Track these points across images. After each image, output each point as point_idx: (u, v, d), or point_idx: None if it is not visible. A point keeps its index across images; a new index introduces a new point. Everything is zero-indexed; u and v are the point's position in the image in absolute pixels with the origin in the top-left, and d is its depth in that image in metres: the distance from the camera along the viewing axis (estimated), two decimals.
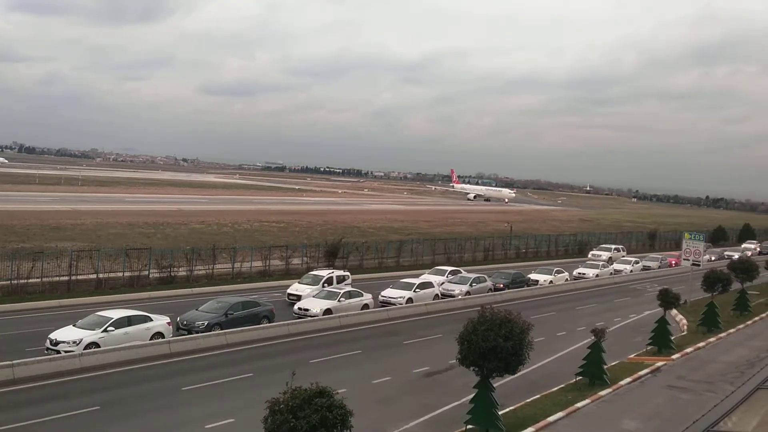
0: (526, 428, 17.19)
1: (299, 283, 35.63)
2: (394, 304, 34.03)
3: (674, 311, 34.73)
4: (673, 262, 58.84)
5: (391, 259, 49.71)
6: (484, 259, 56.21)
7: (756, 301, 38.32)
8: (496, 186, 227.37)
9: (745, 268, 37.13)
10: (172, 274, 37.46)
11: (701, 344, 27.93)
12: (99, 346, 22.96)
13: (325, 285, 34.47)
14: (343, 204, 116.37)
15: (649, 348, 27.03)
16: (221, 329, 26.43)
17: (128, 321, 24.39)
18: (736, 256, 54.69)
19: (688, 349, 26.87)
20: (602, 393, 20.55)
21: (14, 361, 20.49)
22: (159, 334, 24.94)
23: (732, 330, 31.27)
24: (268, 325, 28.08)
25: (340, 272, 37.45)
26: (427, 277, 39.91)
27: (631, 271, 54.45)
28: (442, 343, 26.32)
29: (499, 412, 16.90)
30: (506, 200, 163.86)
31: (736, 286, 36.11)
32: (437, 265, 50.08)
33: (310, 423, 10.27)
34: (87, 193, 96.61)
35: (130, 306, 27.95)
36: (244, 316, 27.90)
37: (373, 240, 54.69)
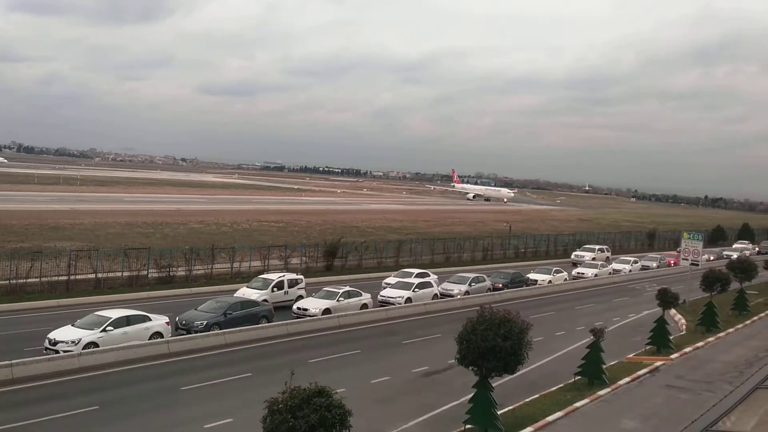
0: (525, 428, 17.21)
1: (247, 287, 33.07)
2: (393, 304, 34.03)
3: (673, 311, 34.75)
4: (672, 261, 58.87)
5: (390, 258, 49.71)
6: (483, 259, 56.23)
7: (755, 301, 38.33)
8: (495, 186, 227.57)
9: (743, 268, 37.19)
10: (171, 273, 37.44)
11: (700, 344, 27.95)
12: (98, 346, 22.94)
13: (275, 289, 32.33)
14: (342, 204, 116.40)
15: (647, 348, 27.04)
16: (220, 329, 26.42)
17: (127, 321, 24.38)
18: (734, 256, 54.72)
19: (687, 349, 26.89)
20: (601, 393, 20.56)
21: (13, 361, 20.48)
22: (158, 334, 24.93)
23: (731, 330, 31.29)
24: (266, 324, 28.07)
25: (293, 275, 34.87)
26: (391, 280, 38.04)
27: (630, 270, 54.45)
28: (441, 342, 26.33)
29: (498, 412, 16.90)
30: (505, 200, 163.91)
31: (735, 285, 36.16)
32: (436, 266, 50.25)
33: (309, 423, 10.26)
34: (86, 192, 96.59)
35: (128, 306, 27.95)
36: (242, 315, 27.89)
37: (372, 240, 54.72)
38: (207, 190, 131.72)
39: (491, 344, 15.57)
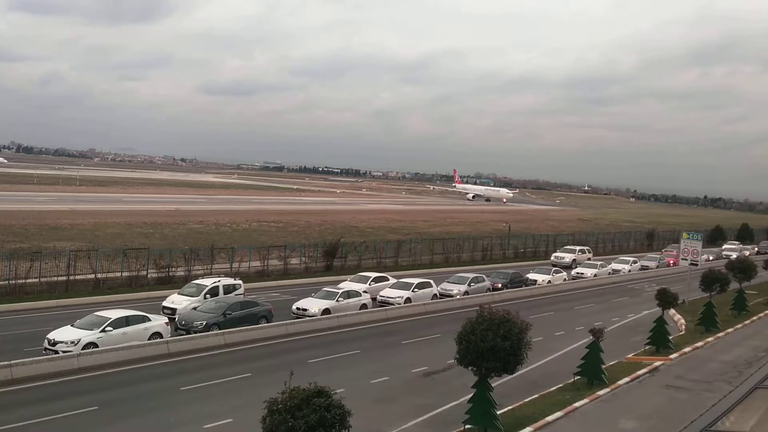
0: (524, 428, 17.21)
1: (179, 293, 30.52)
2: (393, 304, 34.02)
3: (672, 311, 34.74)
4: (671, 261, 58.87)
5: (389, 259, 49.72)
6: (483, 259, 56.22)
7: (754, 301, 38.33)
8: (494, 186, 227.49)
9: (743, 268, 37.18)
10: (171, 274, 37.42)
11: (699, 344, 27.96)
12: (97, 346, 22.93)
13: (207, 296, 29.64)
14: (341, 204, 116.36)
15: (647, 348, 27.04)
16: (219, 329, 26.40)
17: (126, 321, 24.36)
18: (734, 256, 54.74)
19: (687, 349, 26.90)
20: (600, 393, 20.57)
21: (12, 361, 20.46)
22: (157, 334, 24.92)
23: (730, 329, 31.30)
24: (266, 325, 28.07)
25: (230, 281, 32.16)
26: (348, 284, 35.59)
27: (629, 270, 54.46)
28: (440, 342, 26.32)
29: (498, 412, 16.90)
30: (504, 200, 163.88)
31: (734, 285, 36.17)
32: (436, 266, 50.29)
33: (309, 423, 10.26)
34: (85, 193, 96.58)
35: (128, 306, 27.90)
36: (242, 316, 27.88)
37: (372, 240, 54.69)
38: (206, 190, 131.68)
39: (491, 344, 15.55)
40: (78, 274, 34.39)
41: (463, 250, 55.91)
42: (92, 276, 34.77)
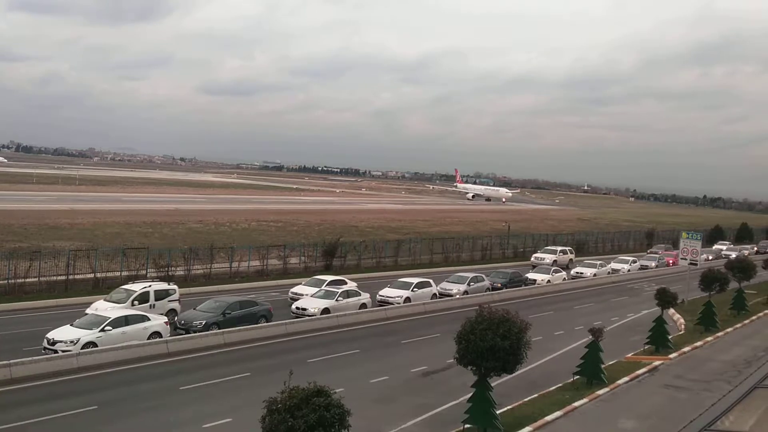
0: (523, 427, 17.21)
1: (105, 299, 28.11)
2: (392, 304, 34.01)
3: (672, 310, 34.74)
4: (671, 261, 58.88)
5: (389, 258, 49.72)
6: (482, 259, 56.21)
7: (753, 300, 38.36)
8: (494, 185, 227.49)
9: (742, 268, 37.18)
10: (170, 273, 37.33)
11: (699, 343, 27.97)
12: (96, 346, 22.92)
13: (135, 302, 27.38)
14: (340, 203, 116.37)
15: (646, 347, 27.05)
16: (219, 329, 26.40)
17: (125, 320, 24.36)
18: (732, 255, 54.73)
19: (686, 349, 26.91)
20: (600, 392, 20.57)
21: (11, 361, 20.45)
22: (156, 334, 24.91)
23: (729, 329, 31.31)
24: (265, 324, 28.06)
25: (162, 285, 29.55)
26: (301, 288, 34.23)
27: (629, 270, 54.47)
28: (440, 342, 26.31)
29: (497, 412, 16.89)
30: (504, 200, 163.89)
31: (733, 285, 36.17)
32: (435, 266, 50.25)
33: (308, 422, 10.24)
34: (84, 192, 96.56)
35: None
36: (241, 315, 27.88)
37: (371, 239, 54.67)
38: (206, 189, 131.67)
39: (490, 344, 15.55)
40: (77, 274, 34.39)
41: (462, 250, 55.90)
42: (91, 275, 34.76)
